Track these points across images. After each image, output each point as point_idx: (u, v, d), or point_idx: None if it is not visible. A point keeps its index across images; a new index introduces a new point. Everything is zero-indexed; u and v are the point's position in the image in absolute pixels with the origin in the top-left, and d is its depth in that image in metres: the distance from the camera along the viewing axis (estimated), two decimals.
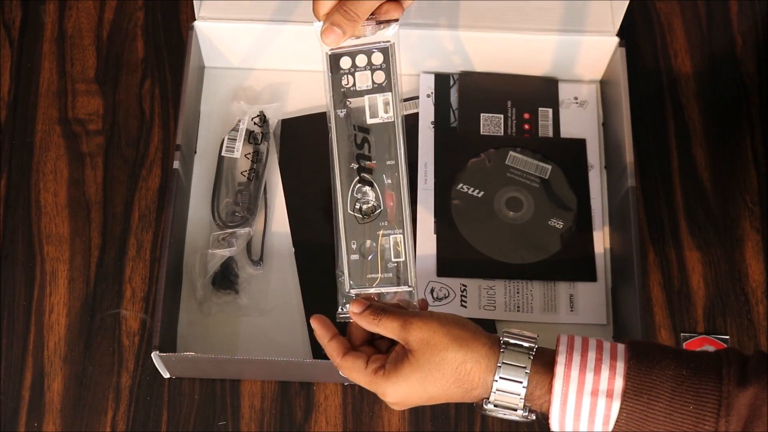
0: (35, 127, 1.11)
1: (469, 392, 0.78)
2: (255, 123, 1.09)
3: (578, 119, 1.12)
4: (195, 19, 1.07)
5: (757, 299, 1.06)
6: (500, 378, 0.76)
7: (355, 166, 0.84)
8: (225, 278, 1.03)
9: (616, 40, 1.08)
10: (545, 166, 1.08)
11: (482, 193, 1.07)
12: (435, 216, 1.06)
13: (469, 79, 1.13)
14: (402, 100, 0.92)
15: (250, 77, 1.14)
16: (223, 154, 1.08)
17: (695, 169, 1.12)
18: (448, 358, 0.77)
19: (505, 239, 1.05)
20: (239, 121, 1.09)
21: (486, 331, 0.79)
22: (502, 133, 1.11)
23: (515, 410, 0.77)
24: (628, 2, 1.04)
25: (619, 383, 0.73)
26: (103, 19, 1.17)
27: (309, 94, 1.13)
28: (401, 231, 0.83)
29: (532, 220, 1.06)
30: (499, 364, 0.76)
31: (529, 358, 0.76)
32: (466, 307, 1.02)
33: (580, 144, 1.10)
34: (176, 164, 1.00)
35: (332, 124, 0.85)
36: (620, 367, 0.74)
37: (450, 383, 0.78)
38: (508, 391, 0.76)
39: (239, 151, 1.08)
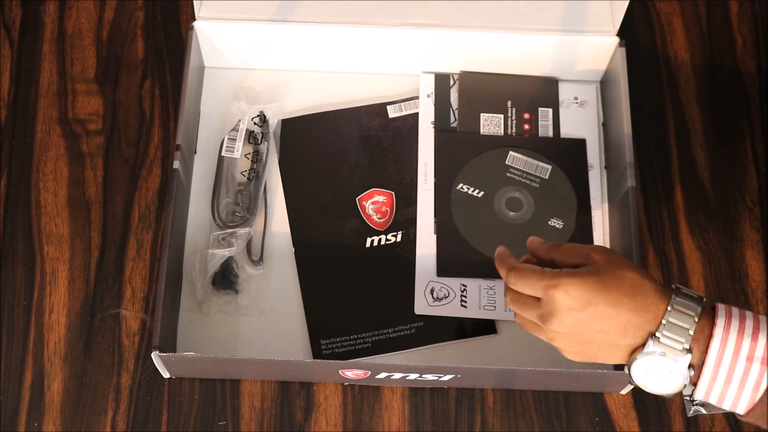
0: (35, 127, 1.11)
1: (641, 312, 0.78)
2: (255, 123, 1.09)
3: (578, 119, 1.12)
4: (195, 19, 1.07)
5: (757, 299, 1.06)
6: (674, 309, 0.77)
7: None
8: (225, 278, 1.03)
9: (616, 40, 1.08)
10: (545, 166, 1.08)
11: (482, 193, 1.07)
12: (435, 216, 1.06)
13: (469, 79, 1.13)
14: None
15: (250, 77, 1.14)
16: (223, 154, 1.08)
17: (695, 169, 1.12)
18: (628, 276, 0.79)
19: (505, 239, 1.05)
20: (239, 121, 1.09)
21: None
22: (502, 133, 1.11)
23: (678, 351, 0.76)
24: (628, 2, 1.04)
25: None
26: (103, 19, 1.17)
27: (309, 94, 1.13)
28: None
29: (532, 220, 1.06)
30: (675, 298, 0.78)
31: (700, 304, 0.77)
32: (466, 306, 1.02)
33: (580, 144, 1.10)
34: (176, 164, 1.00)
35: None
36: None
37: (624, 295, 0.78)
38: (678, 326, 0.77)
39: (239, 151, 1.08)
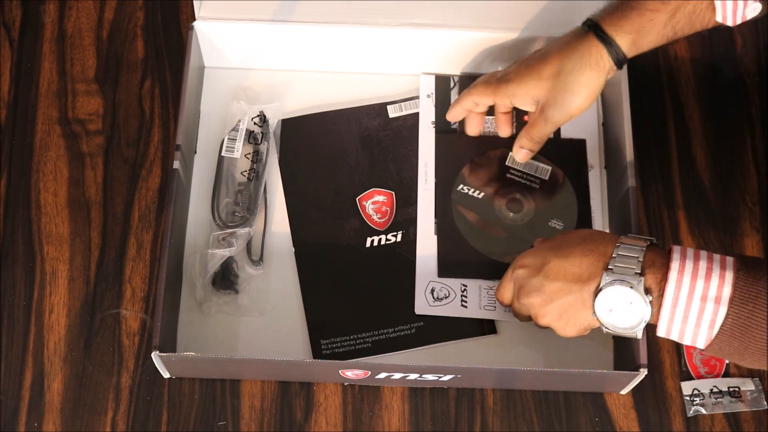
0: (35, 127, 1.11)
1: (590, 253, 0.87)
2: (255, 123, 1.09)
3: (578, 119, 1.12)
4: (195, 19, 1.07)
5: None
6: (623, 244, 0.85)
7: None
8: (225, 278, 1.03)
9: None
10: (545, 167, 1.08)
11: (482, 194, 1.07)
12: (435, 216, 1.06)
13: (469, 81, 1.13)
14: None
15: (250, 77, 1.14)
16: (223, 154, 1.08)
17: (695, 169, 1.12)
18: (578, 232, 0.92)
19: (506, 240, 1.05)
20: (239, 121, 1.09)
21: None
22: None
23: (632, 276, 0.83)
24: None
25: (727, 291, 0.80)
26: (103, 19, 1.17)
27: (309, 94, 1.13)
28: None
29: (532, 221, 1.06)
30: (620, 238, 0.86)
31: (647, 240, 0.85)
32: (466, 306, 1.02)
33: (580, 144, 1.10)
34: (176, 164, 1.00)
35: None
36: (729, 276, 0.80)
37: (574, 246, 0.88)
38: (627, 256, 0.84)
39: (239, 151, 1.08)
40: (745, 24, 1.18)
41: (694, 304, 0.81)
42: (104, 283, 1.04)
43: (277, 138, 1.10)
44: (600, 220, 1.07)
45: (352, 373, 0.97)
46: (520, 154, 1.05)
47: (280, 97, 1.13)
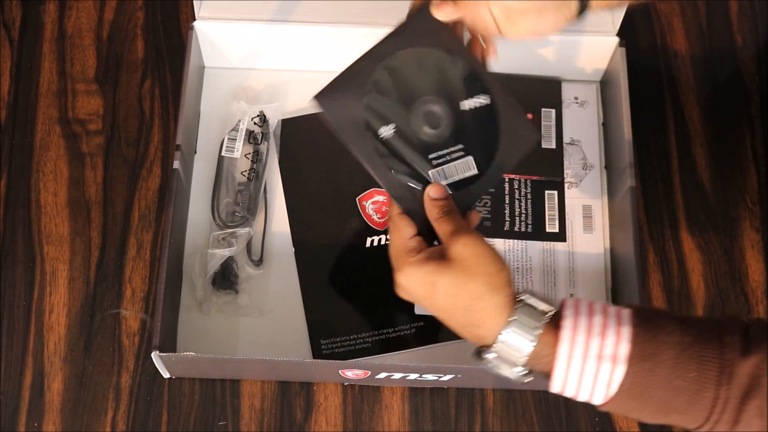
0: (35, 127, 1.11)
1: (472, 328, 0.79)
2: (255, 123, 1.09)
3: (578, 119, 1.12)
4: (195, 19, 1.07)
5: (757, 299, 1.06)
6: (511, 331, 0.76)
7: None
8: (225, 278, 1.03)
9: (616, 40, 1.08)
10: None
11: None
12: None
13: None
14: None
15: (250, 77, 1.14)
16: (223, 154, 1.08)
17: (695, 169, 1.12)
18: (471, 286, 0.78)
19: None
20: (239, 121, 1.09)
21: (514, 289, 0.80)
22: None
23: (513, 366, 0.77)
24: (628, 2, 1.04)
25: (624, 348, 0.74)
26: (103, 19, 1.17)
27: (309, 94, 1.12)
28: None
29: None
30: (511, 319, 0.76)
31: (541, 321, 0.76)
32: None
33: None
34: (176, 164, 1.00)
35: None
36: (626, 332, 0.74)
37: (459, 308, 0.79)
38: (513, 345, 0.76)
39: (239, 151, 1.08)
40: (745, 24, 1.18)
41: (590, 363, 0.74)
42: (104, 283, 1.04)
43: (277, 138, 1.10)
44: (600, 220, 1.08)
45: (352, 373, 0.97)
46: (443, 11, 0.87)
47: (280, 97, 1.13)
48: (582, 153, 1.11)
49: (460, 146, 0.88)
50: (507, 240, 1.07)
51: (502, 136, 0.88)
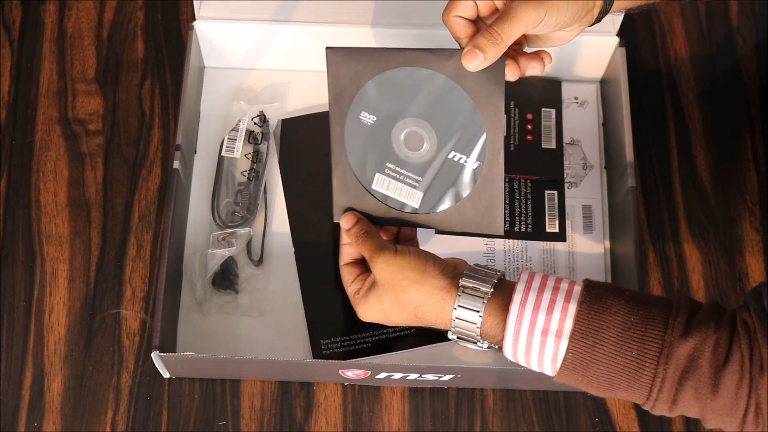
0: (35, 127, 1.11)
1: (431, 326, 0.87)
2: (255, 123, 1.09)
3: (578, 119, 1.12)
4: (195, 19, 1.07)
5: None
6: (457, 318, 0.83)
7: None
8: (225, 278, 1.03)
9: (616, 40, 1.08)
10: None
11: None
12: None
13: None
14: None
15: (250, 77, 1.14)
16: (223, 154, 1.08)
17: (695, 169, 1.12)
18: (405, 299, 0.85)
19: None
20: (239, 121, 1.09)
21: (448, 271, 0.85)
22: (505, 134, 1.10)
23: (475, 342, 0.84)
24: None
25: (568, 325, 0.78)
26: (103, 19, 1.17)
27: (309, 94, 1.13)
28: None
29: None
30: (455, 307, 0.83)
31: (483, 302, 0.82)
32: None
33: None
34: (176, 164, 1.00)
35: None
36: (572, 309, 0.78)
37: (410, 318, 0.87)
38: (465, 327, 0.83)
39: (239, 151, 1.08)
40: (745, 24, 1.18)
41: (536, 338, 0.79)
42: (104, 283, 1.04)
43: (277, 138, 1.10)
44: (600, 221, 1.08)
45: (352, 373, 0.97)
46: (472, 63, 0.81)
47: (280, 97, 1.13)
48: (582, 153, 1.11)
49: (419, 179, 0.90)
50: (507, 240, 1.07)
51: (466, 202, 0.90)
